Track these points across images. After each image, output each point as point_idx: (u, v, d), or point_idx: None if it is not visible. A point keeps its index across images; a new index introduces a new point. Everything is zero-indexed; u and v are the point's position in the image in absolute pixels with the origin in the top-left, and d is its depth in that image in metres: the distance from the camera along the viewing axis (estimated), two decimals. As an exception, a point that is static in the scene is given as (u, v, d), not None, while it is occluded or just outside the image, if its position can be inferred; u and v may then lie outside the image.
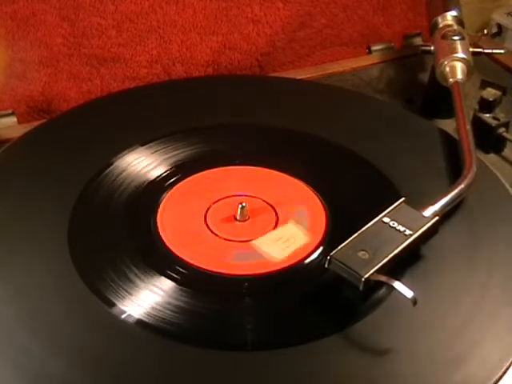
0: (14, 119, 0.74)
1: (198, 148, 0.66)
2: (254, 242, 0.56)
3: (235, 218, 0.58)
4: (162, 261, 0.55)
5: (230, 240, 0.57)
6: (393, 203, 0.55)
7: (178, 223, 0.58)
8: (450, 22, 0.77)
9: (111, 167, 0.62)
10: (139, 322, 0.50)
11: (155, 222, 0.58)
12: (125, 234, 0.57)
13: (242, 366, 0.48)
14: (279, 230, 0.57)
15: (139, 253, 0.55)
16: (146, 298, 0.51)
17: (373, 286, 0.50)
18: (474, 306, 0.51)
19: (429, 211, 0.55)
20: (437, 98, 0.75)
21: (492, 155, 0.70)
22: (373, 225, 0.53)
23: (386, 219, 0.54)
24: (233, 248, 0.56)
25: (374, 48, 0.88)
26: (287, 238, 0.56)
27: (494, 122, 0.70)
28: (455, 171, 0.61)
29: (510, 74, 0.82)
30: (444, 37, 0.74)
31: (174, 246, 0.56)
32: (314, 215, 0.59)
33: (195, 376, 0.47)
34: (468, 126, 0.65)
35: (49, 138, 0.67)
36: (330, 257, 0.51)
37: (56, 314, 0.50)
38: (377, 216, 0.54)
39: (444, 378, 0.47)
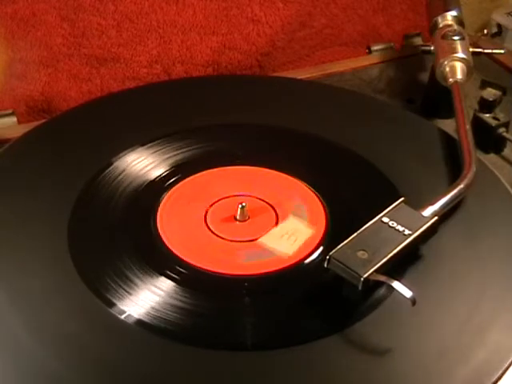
0: (13, 119, 0.74)
1: (198, 148, 0.66)
2: (260, 240, 0.56)
3: (235, 218, 0.58)
4: (161, 261, 0.55)
5: (229, 240, 0.57)
6: (392, 203, 0.56)
7: (177, 223, 0.58)
8: (450, 22, 0.77)
9: (111, 167, 0.62)
10: (139, 321, 0.50)
11: (155, 222, 0.58)
12: (125, 234, 0.57)
13: (241, 366, 0.48)
14: (281, 225, 0.58)
15: (139, 253, 0.55)
16: (146, 298, 0.51)
17: (372, 285, 0.50)
18: (473, 306, 0.52)
19: (428, 211, 0.55)
20: (437, 98, 0.75)
21: (492, 155, 0.70)
22: (372, 224, 0.54)
23: (386, 219, 0.54)
24: (239, 249, 0.56)
25: (374, 48, 0.88)
26: (292, 232, 0.57)
27: (493, 122, 0.70)
28: (455, 171, 0.61)
29: (510, 73, 0.82)
30: (444, 37, 0.74)
31: (173, 246, 0.56)
32: (313, 215, 0.59)
33: (195, 376, 0.47)
34: (468, 126, 0.65)
35: (49, 138, 0.67)
36: (330, 256, 0.51)
37: (56, 313, 0.50)
38: (376, 216, 0.54)
39: (444, 378, 0.47)
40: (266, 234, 0.57)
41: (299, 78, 0.81)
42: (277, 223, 0.58)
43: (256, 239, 0.57)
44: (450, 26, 0.76)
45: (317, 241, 0.57)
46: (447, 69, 0.71)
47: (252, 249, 0.56)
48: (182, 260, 0.55)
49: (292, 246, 0.55)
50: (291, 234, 0.56)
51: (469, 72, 0.71)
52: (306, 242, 0.56)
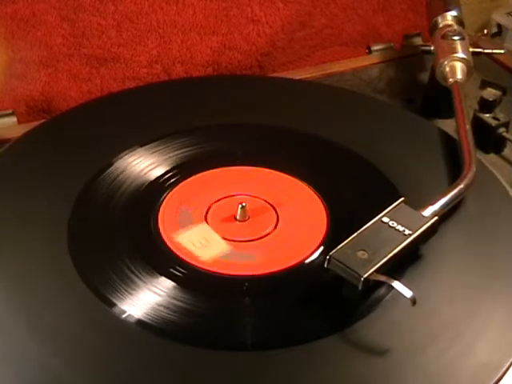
0: (13, 119, 0.74)
1: (198, 148, 0.66)
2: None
3: (235, 218, 0.58)
4: (162, 261, 0.55)
5: (230, 240, 0.57)
6: (392, 203, 0.56)
7: (178, 223, 0.58)
8: (450, 22, 0.77)
9: (111, 167, 0.62)
10: (139, 321, 0.50)
11: (156, 222, 0.58)
12: (125, 234, 0.57)
13: (242, 366, 0.48)
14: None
15: (139, 253, 0.55)
16: (147, 298, 0.51)
17: (372, 285, 0.50)
18: (474, 306, 0.52)
19: (428, 211, 0.55)
20: (437, 98, 0.75)
21: (492, 155, 0.70)
22: (372, 224, 0.54)
23: (386, 219, 0.54)
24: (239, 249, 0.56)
25: (374, 48, 0.88)
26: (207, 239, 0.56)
27: (493, 122, 0.70)
28: (455, 171, 0.61)
29: (510, 73, 0.82)
30: (444, 37, 0.74)
31: (174, 246, 0.56)
32: (313, 215, 0.59)
33: (195, 376, 0.47)
34: (468, 126, 0.65)
35: (49, 138, 0.67)
36: (330, 256, 0.51)
37: (56, 313, 0.50)
38: (376, 216, 0.54)
39: (444, 378, 0.47)
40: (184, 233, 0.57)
41: (299, 78, 0.81)
42: (277, 224, 0.58)
43: (251, 240, 0.57)
44: (450, 25, 0.76)
45: (317, 241, 0.57)
46: (447, 69, 0.71)
47: (243, 249, 0.56)
48: (182, 260, 0.55)
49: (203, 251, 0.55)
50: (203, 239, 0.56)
51: (469, 72, 0.71)
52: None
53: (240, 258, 0.55)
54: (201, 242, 0.56)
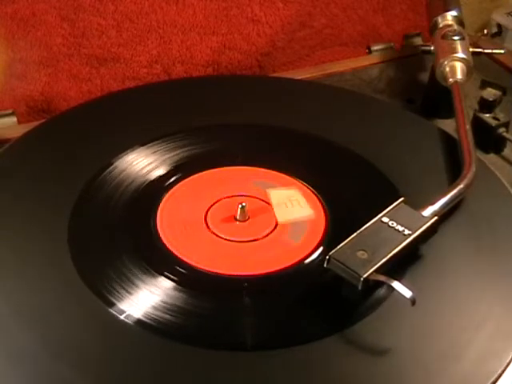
0: (13, 119, 0.74)
1: (198, 148, 0.66)
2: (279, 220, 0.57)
3: (235, 218, 0.58)
4: (162, 261, 0.55)
5: (230, 240, 0.57)
6: (392, 203, 0.56)
7: (178, 223, 0.58)
8: (450, 22, 0.77)
9: (111, 167, 0.62)
10: (139, 321, 0.50)
11: (155, 222, 0.58)
12: (125, 234, 0.57)
13: (242, 366, 0.48)
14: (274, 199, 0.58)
15: (139, 253, 0.55)
16: (146, 298, 0.51)
17: (372, 285, 0.50)
18: (473, 306, 0.52)
19: (428, 211, 0.55)
20: (437, 98, 0.75)
21: (492, 155, 0.70)
22: (372, 224, 0.54)
23: (385, 219, 0.54)
24: (239, 249, 0.56)
25: (374, 48, 0.88)
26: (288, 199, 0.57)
27: (493, 122, 0.70)
28: (455, 171, 0.61)
29: (510, 73, 0.82)
30: (444, 37, 0.74)
31: (173, 247, 0.56)
32: (314, 215, 0.59)
33: (195, 376, 0.47)
34: (468, 126, 0.65)
35: (49, 138, 0.67)
36: (329, 256, 0.51)
37: (56, 314, 0.50)
38: (376, 216, 0.54)
39: (444, 378, 0.47)
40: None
41: (299, 78, 0.81)
42: (277, 224, 0.58)
43: (251, 241, 0.57)
44: (450, 26, 0.76)
45: (317, 241, 0.57)
46: (447, 69, 0.71)
47: (252, 248, 0.56)
48: (181, 260, 0.55)
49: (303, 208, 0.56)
50: (289, 201, 0.57)
51: (469, 72, 0.71)
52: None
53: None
54: (286, 204, 0.57)
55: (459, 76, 0.70)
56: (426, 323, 0.50)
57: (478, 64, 0.74)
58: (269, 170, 0.64)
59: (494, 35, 0.97)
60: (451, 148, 0.65)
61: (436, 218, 0.55)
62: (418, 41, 0.90)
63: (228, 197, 0.61)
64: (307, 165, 0.65)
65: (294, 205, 0.57)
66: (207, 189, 0.61)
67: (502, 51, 0.78)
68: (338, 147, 0.66)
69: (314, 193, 0.61)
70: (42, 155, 0.64)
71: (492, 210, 0.60)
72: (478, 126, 0.69)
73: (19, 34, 0.76)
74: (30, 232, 0.56)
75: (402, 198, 0.56)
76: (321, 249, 0.56)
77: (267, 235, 0.57)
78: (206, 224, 0.58)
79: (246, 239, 0.57)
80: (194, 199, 0.60)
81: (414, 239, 0.53)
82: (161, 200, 0.60)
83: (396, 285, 0.49)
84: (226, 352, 0.48)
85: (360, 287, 0.49)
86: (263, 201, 0.60)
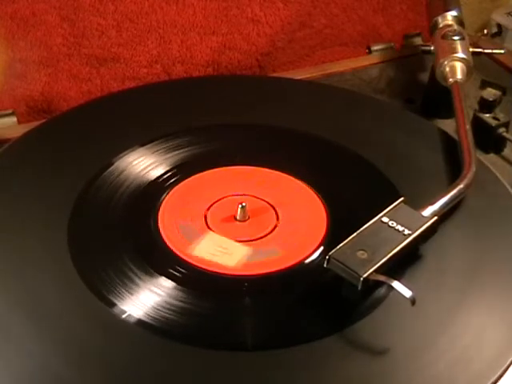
0: (13, 119, 0.74)
1: (198, 148, 0.66)
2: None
3: (235, 218, 0.58)
4: (162, 261, 0.55)
5: (237, 241, 0.57)
6: (392, 203, 0.56)
7: (178, 223, 0.58)
8: (450, 22, 0.77)
9: (111, 167, 0.62)
10: (139, 321, 0.50)
11: (156, 222, 0.58)
12: (125, 233, 0.57)
13: (242, 366, 0.48)
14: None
15: (139, 253, 0.55)
16: (146, 298, 0.51)
17: (372, 285, 0.50)
18: (473, 306, 0.52)
19: (428, 211, 0.55)
20: (437, 98, 0.75)
21: (492, 155, 0.70)
22: (372, 224, 0.54)
23: (385, 219, 0.54)
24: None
25: (374, 48, 0.88)
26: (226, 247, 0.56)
27: (493, 122, 0.70)
28: (455, 171, 0.61)
29: (510, 73, 0.82)
30: (444, 37, 0.74)
31: (174, 246, 0.56)
32: (314, 215, 0.59)
33: (195, 376, 0.47)
34: (467, 126, 0.65)
35: (49, 138, 0.67)
36: (329, 256, 0.51)
37: (56, 314, 0.50)
38: (376, 216, 0.54)
39: (443, 378, 0.47)
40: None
41: (299, 78, 0.81)
42: (277, 224, 0.58)
43: (251, 240, 0.57)
44: (450, 26, 0.76)
45: (317, 241, 0.57)
46: (447, 69, 0.71)
47: (262, 246, 0.56)
48: (182, 260, 0.55)
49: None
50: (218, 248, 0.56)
51: (469, 72, 0.71)
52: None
53: (264, 255, 0.55)
54: (219, 251, 0.56)
55: (459, 76, 0.70)
56: (425, 323, 0.50)
57: (478, 64, 0.74)
58: (269, 170, 0.64)
59: (494, 35, 0.97)
60: (451, 148, 0.65)
61: (436, 217, 0.55)
62: (418, 41, 0.90)
63: (228, 197, 0.61)
64: (307, 165, 0.65)
65: (227, 247, 0.56)
66: (207, 189, 0.61)
67: (502, 51, 0.78)
68: (338, 147, 0.66)
69: (314, 193, 0.61)
70: (42, 155, 0.64)
71: (492, 210, 0.60)
72: (478, 126, 0.69)
73: (19, 34, 0.76)
74: (29, 232, 0.56)
75: (401, 198, 0.56)
76: (321, 249, 0.56)
77: (267, 235, 0.57)
78: (207, 224, 0.58)
79: (246, 239, 0.57)
80: (194, 199, 0.60)
81: (414, 239, 0.53)
82: (161, 200, 0.60)
83: (396, 285, 0.49)
84: (225, 352, 0.48)
85: (360, 287, 0.49)
86: (263, 201, 0.60)
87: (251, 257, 0.55)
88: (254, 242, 0.57)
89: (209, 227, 0.58)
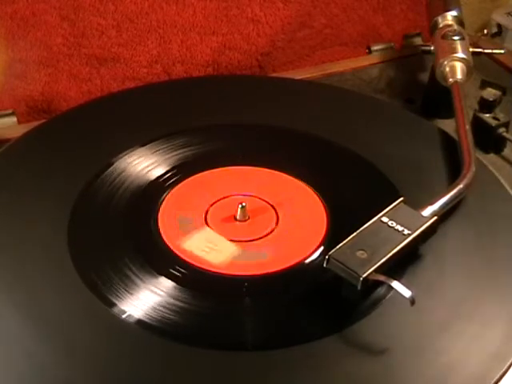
0: (13, 119, 0.74)
1: (198, 148, 0.66)
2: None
3: (235, 218, 0.58)
4: (162, 261, 0.55)
5: (230, 240, 0.57)
6: (392, 203, 0.56)
7: (178, 223, 0.58)
8: (450, 22, 0.77)
9: (111, 167, 0.62)
10: (139, 321, 0.50)
11: (156, 222, 0.58)
12: (125, 234, 0.57)
13: (241, 366, 0.48)
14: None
15: (139, 253, 0.55)
16: (147, 298, 0.51)
17: (371, 285, 0.50)
18: (473, 306, 0.52)
19: (428, 211, 0.55)
20: (437, 98, 0.75)
21: (492, 155, 0.70)
22: (371, 224, 0.54)
23: (385, 219, 0.54)
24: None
25: (374, 48, 0.88)
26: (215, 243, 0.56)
27: (493, 122, 0.70)
28: (455, 171, 0.61)
29: (510, 73, 0.82)
30: (444, 37, 0.74)
31: (174, 246, 0.56)
32: (314, 215, 0.59)
33: (195, 376, 0.47)
34: (467, 126, 0.65)
35: (49, 138, 0.67)
36: (329, 256, 0.51)
37: (56, 314, 0.50)
38: (376, 216, 0.54)
39: (444, 378, 0.47)
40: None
41: (299, 78, 0.81)
42: (277, 224, 0.58)
43: (251, 240, 0.57)
44: (450, 25, 0.76)
45: (317, 241, 0.57)
46: (447, 69, 0.71)
47: (252, 248, 0.56)
48: (182, 260, 0.55)
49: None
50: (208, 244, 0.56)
51: (469, 72, 0.71)
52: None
53: (251, 257, 0.55)
54: (208, 247, 0.56)
55: (459, 76, 0.70)
56: (425, 323, 0.50)
57: (478, 64, 0.74)
58: (269, 170, 0.64)
59: (494, 35, 0.97)
60: (451, 148, 0.65)
61: (436, 217, 0.55)
62: (418, 41, 0.90)
63: (228, 197, 0.61)
64: (307, 165, 0.65)
65: (216, 244, 0.56)
66: (207, 189, 0.61)
67: (502, 51, 0.78)
68: (338, 147, 0.66)
69: (314, 193, 0.61)
70: (42, 155, 0.64)
71: (492, 210, 0.60)
72: (478, 126, 0.69)
73: (19, 34, 0.76)
74: (30, 232, 0.56)
75: (401, 198, 0.56)
76: (321, 249, 0.56)
77: (264, 237, 0.57)
78: (207, 224, 0.58)
79: (246, 239, 0.57)
80: (194, 199, 0.60)
81: (414, 239, 0.53)
82: (161, 200, 0.60)
83: (395, 284, 0.49)
84: (225, 352, 0.48)
85: (359, 287, 0.49)
86: (263, 201, 0.61)
87: (238, 257, 0.55)
88: (247, 243, 0.57)
89: (208, 225, 0.58)
